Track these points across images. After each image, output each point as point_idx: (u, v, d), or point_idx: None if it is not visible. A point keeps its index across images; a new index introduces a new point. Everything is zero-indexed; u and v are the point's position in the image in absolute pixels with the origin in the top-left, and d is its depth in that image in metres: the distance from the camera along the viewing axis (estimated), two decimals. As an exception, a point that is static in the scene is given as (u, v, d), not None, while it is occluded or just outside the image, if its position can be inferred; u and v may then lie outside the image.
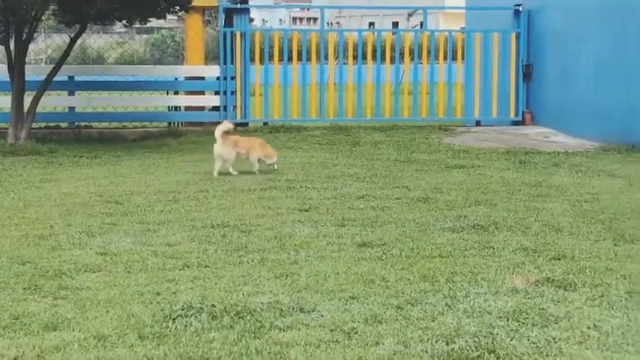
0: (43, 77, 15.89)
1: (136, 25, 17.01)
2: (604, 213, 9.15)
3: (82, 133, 17.15)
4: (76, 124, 18.02)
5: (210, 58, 21.38)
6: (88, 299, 6.04)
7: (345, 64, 18.60)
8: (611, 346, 5.09)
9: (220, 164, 11.85)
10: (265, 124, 18.18)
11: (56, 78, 16.15)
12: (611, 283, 6.36)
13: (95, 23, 16.80)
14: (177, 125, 18.40)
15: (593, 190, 10.63)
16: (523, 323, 5.46)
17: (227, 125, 12.14)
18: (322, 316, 5.63)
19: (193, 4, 16.55)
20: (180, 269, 6.88)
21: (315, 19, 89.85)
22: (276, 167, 12.11)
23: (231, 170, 11.88)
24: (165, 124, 18.59)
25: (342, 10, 59.93)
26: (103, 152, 14.60)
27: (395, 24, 59.08)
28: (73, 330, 5.41)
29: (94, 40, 29.42)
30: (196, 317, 5.58)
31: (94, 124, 18.26)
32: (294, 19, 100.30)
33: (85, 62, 28.93)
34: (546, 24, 18.36)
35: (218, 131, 11.91)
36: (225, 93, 17.96)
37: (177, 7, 16.06)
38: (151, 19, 16.34)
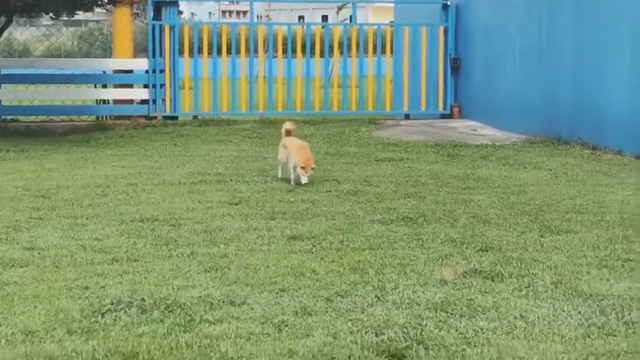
0: (-33, 70, 15.66)
1: (63, 18, 16.82)
2: (530, 205, 9.27)
3: (8, 127, 16.90)
4: (2, 117, 17.78)
5: (138, 51, 21.21)
6: (16, 294, 5.97)
7: (274, 57, 18.59)
8: (538, 335, 5.16)
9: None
10: (195, 117, 18.09)
11: (-19, 71, 15.93)
12: (538, 273, 6.45)
13: (21, 15, 16.58)
14: (106, 119, 18.24)
15: (520, 183, 10.76)
16: (451, 314, 5.51)
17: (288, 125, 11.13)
18: (252, 309, 5.63)
19: (121, -4, 16.44)
20: (109, 263, 6.83)
21: (244, 12, 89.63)
22: (303, 181, 10.29)
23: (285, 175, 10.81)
24: (93, 117, 18.42)
25: (272, 4, 59.83)
26: (29, 146, 14.42)
27: (324, 17, 59.22)
28: (0, 325, 5.34)
29: (20, 33, 28.97)
30: (125, 311, 5.55)
31: (21, 118, 18.02)
32: (224, 12, 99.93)
33: (10, 55, 28.54)
34: (474, 18, 18.53)
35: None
36: (154, 86, 17.83)
37: (105, 0, 15.92)
38: (78, 11, 16.16)
